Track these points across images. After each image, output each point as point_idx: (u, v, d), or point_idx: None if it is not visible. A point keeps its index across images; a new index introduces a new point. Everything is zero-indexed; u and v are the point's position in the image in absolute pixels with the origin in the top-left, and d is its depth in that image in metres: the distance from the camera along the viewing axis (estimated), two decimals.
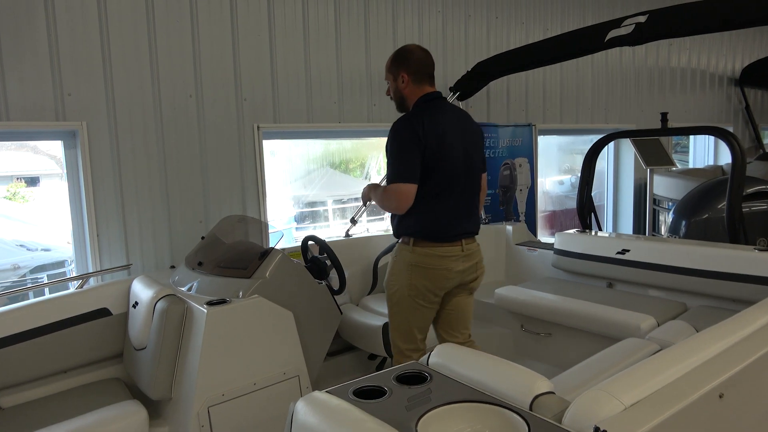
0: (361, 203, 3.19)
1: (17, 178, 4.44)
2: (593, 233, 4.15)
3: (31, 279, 4.38)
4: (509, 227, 4.65)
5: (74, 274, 3.34)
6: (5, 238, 6.30)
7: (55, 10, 3.10)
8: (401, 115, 2.60)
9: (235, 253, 2.90)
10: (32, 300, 2.82)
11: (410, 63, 2.56)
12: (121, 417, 2.38)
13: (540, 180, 5.88)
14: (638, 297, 3.54)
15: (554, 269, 4.18)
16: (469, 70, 4.55)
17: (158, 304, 2.57)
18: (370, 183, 2.80)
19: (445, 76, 4.79)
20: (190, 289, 2.76)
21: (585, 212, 4.39)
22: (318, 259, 3.20)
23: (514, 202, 5.42)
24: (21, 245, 4.83)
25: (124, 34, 3.32)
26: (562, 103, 5.85)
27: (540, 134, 5.65)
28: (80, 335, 2.85)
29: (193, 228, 3.60)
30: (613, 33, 3.65)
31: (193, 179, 3.63)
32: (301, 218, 9.40)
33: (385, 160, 2.56)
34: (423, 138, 2.43)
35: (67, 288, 3.05)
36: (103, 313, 2.92)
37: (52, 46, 3.11)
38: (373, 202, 2.74)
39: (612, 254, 3.79)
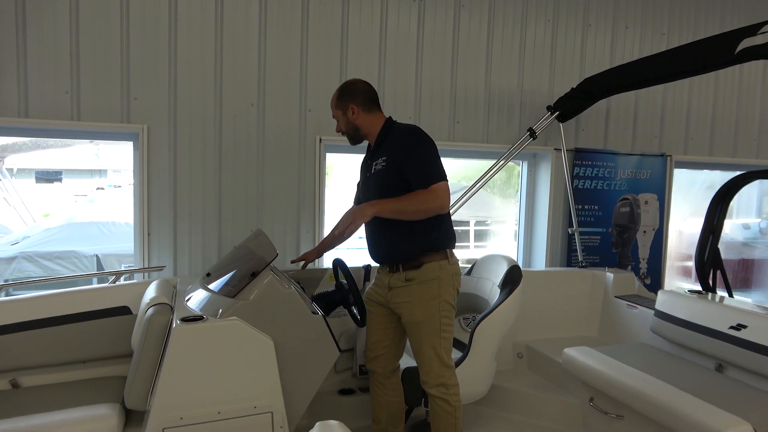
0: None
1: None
2: (710, 297, 3.25)
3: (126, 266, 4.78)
4: (610, 274, 3.89)
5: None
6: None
7: (129, 18, 3.29)
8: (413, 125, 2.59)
9: (239, 268, 2.75)
10: (65, 290, 2.98)
11: (358, 96, 2.60)
12: (91, 420, 2.35)
13: (674, 221, 4.87)
14: (751, 390, 2.66)
15: (654, 335, 3.37)
16: (575, 87, 3.90)
17: (148, 311, 2.53)
18: (366, 203, 2.43)
19: (551, 94, 4.18)
20: (188, 300, 2.68)
21: (706, 268, 3.47)
22: (342, 285, 2.92)
23: (633, 245, 4.54)
24: None
25: (191, 41, 3.40)
26: (714, 131, 4.78)
27: (677, 167, 4.68)
28: (100, 329, 2.94)
29: (244, 236, 3.56)
30: (747, 43, 2.84)
31: (249, 189, 3.59)
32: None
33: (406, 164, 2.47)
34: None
35: (106, 281, 3.19)
36: (124, 311, 2.98)
37: (124, 53, 3.29)
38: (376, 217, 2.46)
39: (723, 328, 2.91)
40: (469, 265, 3.55)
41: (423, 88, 3.91)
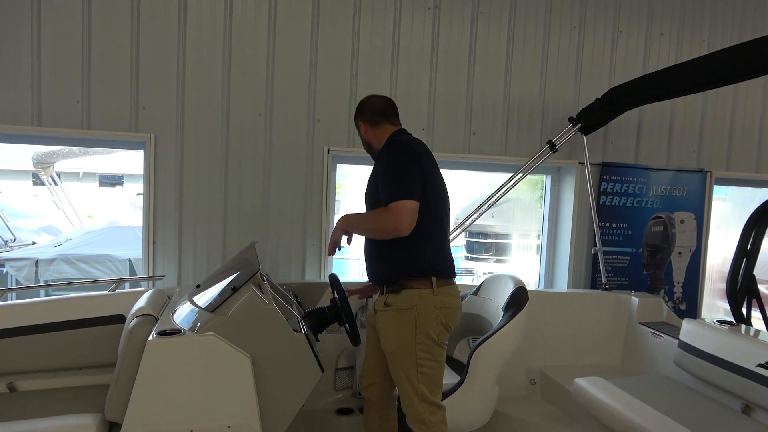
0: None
1: None
2: (743, 330, 2.95)
3: None
4: (635, 298, 3.63)
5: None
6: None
7: (139, 29, 3.32)
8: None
9: (223, 282, 2.70)
10: (64, 296, 3.02)
11: (364, 112, 2.60)
12: (70, 429, 2.34)
13: (718, 242, 4.50)
14: None
15: (678, 368, 3.09)
16: (599, 97, 3.67)
17: (131, 322, 2.50)
18: (344, 215, 2.49)
19: (576, 105, 3.95)
20: (173, 313, 2.64)
21: (738, 297, 3.17)
22: (336, 302, 2.82)
23: (667, 267, 4.22)
24: None
25: (200, 51, 3.41)
26: (762, 145, 4.40)
27: (717, 184, 4.33)
28: (95, 337, 2.95)
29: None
30: None
31: (255, 199, 3.55)
32: (472, 249, 8.93)
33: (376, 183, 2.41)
34: (420, 157, 2.37)
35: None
36: (119, 319, 2.99)
37: (133, 63, 3.33)
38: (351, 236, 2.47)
39: (751, 365, 2.63)
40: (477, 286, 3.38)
41: (437, 99, 3.77)
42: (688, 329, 3.02)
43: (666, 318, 3.61)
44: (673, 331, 3.34)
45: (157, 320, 2.53)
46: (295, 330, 2.48)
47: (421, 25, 3.71)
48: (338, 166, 3.84)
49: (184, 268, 3.49)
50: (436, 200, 2.43)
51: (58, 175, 8.66)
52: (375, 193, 2.41)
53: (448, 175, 3.99)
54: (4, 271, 6.48)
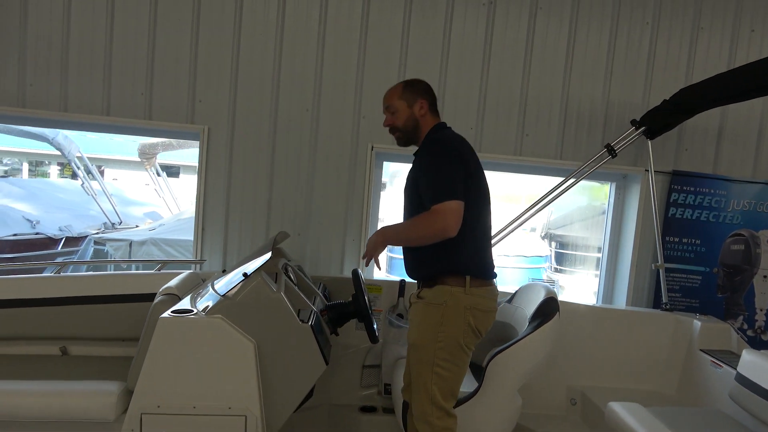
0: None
1: None
2: None
3: None
4: (698, 322, 3.27)
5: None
6: None
7: (199, 26, 3.52)
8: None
9: (242, 268, 2.77)
10: (116, 272, 3.28)
11: (428, 93, 2.49)
12: (94, 393, 2.52)
13: None
14: None
15: (733, 402, 2.74)
16: (667, 99, 3.34)
17: (156, 299, 2.66)
18: (379, 229, 2.41)
19: (645, 107, 3.62)
20: (196, 294, 2.76)
21: None
22: (358, 297, 2.81)
23: (748, 291, 3.75)
24: None
25: (253, 47, 3.54)
26: None
27: None
28: (138, 312, 3.16)
29: (290, 239, 3.61)
30: None
31: (298, 192, 3.63)
32: (561, 260, 8.54)
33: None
34: (462, 155, 2.30)
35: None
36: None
37: (192, 58, 3.53)
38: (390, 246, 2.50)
39: None
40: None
41: (488, 97, 3.64)
42: (747, 360, 2.67)
43: (735, 347, 3.21)
44: (736, 361, 2.96)
45: (180, 300, 2.66)
46: (303, 321, 2.50)
47: (474, 20, 3.60)
48: (384, 164, 3.83)
49: (229, 255, 3.64)
50: (477, 199, 2.34)
51: (162, 167, 9.44)
52: (415, 190, 2.35)
53: (497, 177, 3.84)
54: (105, 250, 7.16)
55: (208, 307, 2.44)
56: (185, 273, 3.09)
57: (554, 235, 8.64)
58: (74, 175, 8.49)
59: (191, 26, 3.52)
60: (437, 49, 3.61)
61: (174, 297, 2.67)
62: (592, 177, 3.88)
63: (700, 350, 3.18)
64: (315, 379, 2.52)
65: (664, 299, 3.53)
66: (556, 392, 3.34)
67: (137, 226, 8.73)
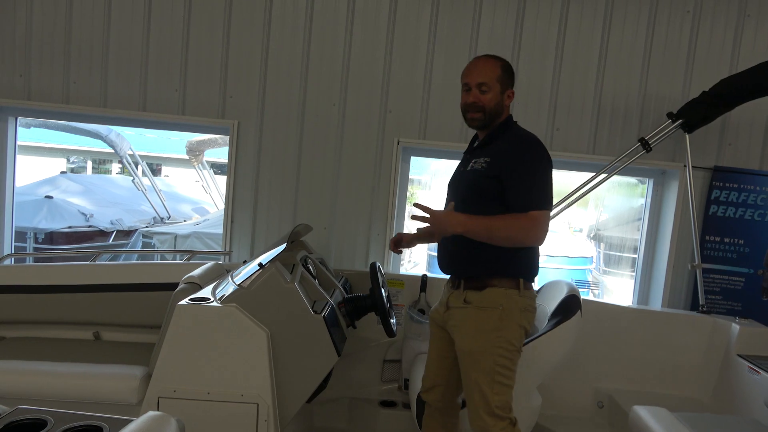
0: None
1: None
2: None
3: None
4: (736, 326, 3.10)
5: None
6: None
7: (231, 24, 3.60)
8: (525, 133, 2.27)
9: (260, 259, 2.81)
10: (145, 262, 3.39)
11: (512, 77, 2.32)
12: (117, 377, 2.63)
13: None
14: None
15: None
16: (707, 90, 3.17)
17: (180, 287, 2.74)
18: (454, 219, 2.12)
19: (686, 99, 3.44)
20: (217, 284, 2.83)
21: None
22: (375, 291, 2.80)
23: None
24: None
25: (283, 42, 3.59)
26: None
27: None
28: (164, 300, 3.27)
29: (316, 233, 3.64)
30: None
31: (325, 187, 3.66)
32: (609, 261, 8.29)
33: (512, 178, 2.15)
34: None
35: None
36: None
37: (223, 55, 3.62)
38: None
39: None
40: None
41: (517, 91, 3.55)
42: None
43: None
44: None
45: (201, 288, 2.73)
46: (316, 312, 2.52)
47: (504, 13, 3.53)
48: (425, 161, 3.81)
49: (256, 247, 3.71)
50: None
51: (210, 165, 9.72)
52: (488, 183, 2.17)
53: None
54: (152, 243, 7.45)
55: (224, 296, 2.49)
56: (210, 263, 3.17)
57: (603, 236, 8.38)
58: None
59: (223, 24, 3.60)
60: (465, 43, 3.56)
61: (195, 286, 2.74)
62: (629, 173, 3.75)
63: (738, 355, 3.00)
64: (327, 370, 2.53)
65: (701, 301, 3.36)
66: (583, 394, 3.23)
67: (185, 221, 9.03)
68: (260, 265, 2.54)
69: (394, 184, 3.62)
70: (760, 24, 3.47)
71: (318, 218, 3.68)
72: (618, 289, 7.38)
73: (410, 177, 3.86)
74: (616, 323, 3.29)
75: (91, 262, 3.37)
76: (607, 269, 8.13)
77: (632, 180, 4.64)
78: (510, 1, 3.51)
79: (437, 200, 3.75)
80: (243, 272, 2.73)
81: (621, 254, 7.41)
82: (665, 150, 3.51)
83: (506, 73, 2.27)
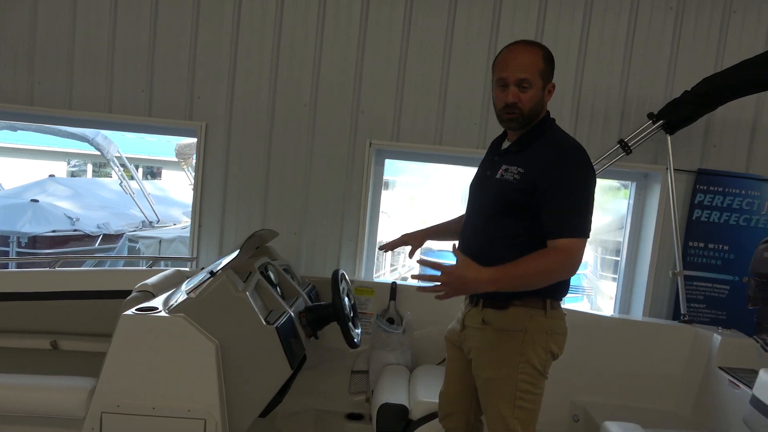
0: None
1: None
2: None
3: None
4: (718, 336, 2.96)
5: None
6: None
7: (198, 22, 3.49)
8: (570, 143, 1.95)
9: (212, 266, 2.69)
10: (105, 268, 3.28)
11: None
12: (65, 389, 2.50)
13: None
14: None
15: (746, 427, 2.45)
16: (688, 89, 3.05)
17: (131, 295, 2.63)
18: (483, 275, 1.74)
19: (668, 97, 3.31)
20: (171, 292, 2.71)
21: None
22: (337, 300, 2.68)
23: None
24: None
25: (252, 42, 3.48)
26: None
27: None
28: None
29: (286, 238, 3.52)
30: None
31: (295, 190, 3.54)
32: (608, 266, 8.15)
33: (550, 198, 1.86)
34: None
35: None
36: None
37: (192, 55, 3.51)
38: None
39: None
40: None
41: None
42: (765, 382, 2.36)
43: (761, 365, 2.87)
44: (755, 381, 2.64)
45: (154, 297, 2.61)
46: (269, 322, 2.40)
47: (479, 12, 3.41)
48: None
49: (224, 253, 3.58)
50: None
51: None
52: (520, 196, 1.90)
53: None
54: (137, 247, 7.35)
55: (172, 305, 2.38)
56: (171, 270, 3.06)
57: (600, 240, 8.25)
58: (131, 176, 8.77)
59: (191, 23, 3.50)
60: (439, 42, 3.44)
61: (148, 294, 2.63)
62: (610, 176, 3.63)
63: (719, 368, 2.86)
64: (280, 383, 2.41)
65: (683, 310, 3.22)
66: (558, 407, 3.10)
67: (174, 225, 8.93)
68: (211, 272, 2.43)
69: (367, 187, 3.50)
70: (747, 20, 3.34)
71: (288, 223, 3.56)
72: (614, 294, 7.23)
73: (385, 179, 3.75)
74: (594, 333, 3.16)
75: (50, 269, 3.27)
76: (604, 274, 7.98)
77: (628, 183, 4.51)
78: (485, 2, 3.39)
79: (411, 204, 3.59)
80: (193, 280, 2.61)
81: (617, 259, 7.26)
82: (647, 152, 3.38)
83: (549, 65, 1.94)
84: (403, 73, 3.45)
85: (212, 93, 3.53)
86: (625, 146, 3.16)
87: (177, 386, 2.27)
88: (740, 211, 3.35)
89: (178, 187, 13.42)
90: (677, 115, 3.05)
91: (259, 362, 2.36)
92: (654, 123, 3.12)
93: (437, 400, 2.32)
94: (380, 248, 2.65)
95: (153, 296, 2.62)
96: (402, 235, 2.46)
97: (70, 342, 3.17)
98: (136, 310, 2.34)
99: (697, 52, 3.36)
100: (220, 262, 2.61)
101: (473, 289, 1.82)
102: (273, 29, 3.47)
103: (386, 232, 4.18)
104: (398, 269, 7.93)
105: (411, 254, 2.43)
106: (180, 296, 2.49)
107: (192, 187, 9.52)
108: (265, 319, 2.39)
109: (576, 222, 1.82)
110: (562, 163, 1.86)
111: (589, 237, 1.84)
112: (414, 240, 2.42)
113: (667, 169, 3.28)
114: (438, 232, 2.44)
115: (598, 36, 3.38)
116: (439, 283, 1.74)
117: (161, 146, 15.54)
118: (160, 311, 2.34)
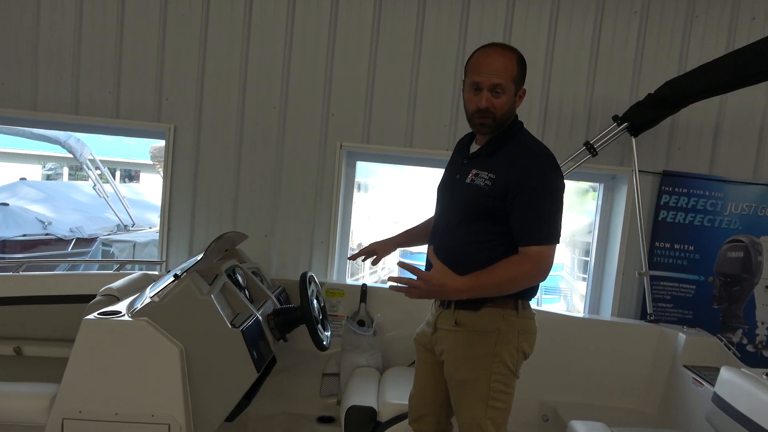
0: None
1: None
2: None
3: None
4: (683, 335, 3.01)
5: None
6: None
7: (166, 24, 3.46)
8: (542, 151, 1.96)
9: (177, 269, 2.67)
10: (71, 272, 3.23)
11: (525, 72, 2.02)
12: (26, 396, 2.46)
13: None
14: None
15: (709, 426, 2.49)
16: (652, 92, 3.10)
17: (95, 299, 2.59)
18: (455, 282, 1.79)
19: (633, 100, 3.36)
20: (137, 296, 2.68)
21: None
22: (305, 302, 2.67)
23: (747, 304, 3.45)
24: None
25: (221, 42, 3.46)
26: None
27: None
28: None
29: (257, 241, 3.50)
30: None
31: (265, 192, 3.53)
32: (586, 267, 8.22)
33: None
34: None
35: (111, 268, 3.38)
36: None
37: (159, 56, 3.47)
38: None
39: None
40: None
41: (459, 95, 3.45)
42: (725, 379, 2.41)
43: (720, 362, 2.93)
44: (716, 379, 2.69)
45: (119, 301, 2.58)
46: (235, 326, 2.38)
47: (448, 13, 3.43)
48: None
49: (194, 255, 3.55)
50: None
51: None
52: (491, 202, 1.91)
53: None
54: (111, 251, 7.24)
55: (135, 309, 2.35)
56: (138, 274, 3.02)
57: (577, 241, 8.35)
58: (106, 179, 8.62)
59: (158, 24, 3.46)
60: (409, 43, 3.46)
61: (112, 298, 2.59)
62: (579, 177, 3.68)
63: (684, 366, 2.91)
64: (246, 387, 2.39)
65: (649, 310, 3.27)
66: (527, 407, 3.12)
67: (150, 228, 8.81)
68: (175, 275, 2.40)
69: (338, 189, 3.50)
70: (708, 25, 3.41)
71: (259, 225, 3.54)
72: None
73: (357, 180, 3.75)
74: (563, 333, 3.19)
75: (14, 273, 3.20)
76: (580, 275, 8.07)
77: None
78: (454, 1, 3.42)
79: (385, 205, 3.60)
80: (158, 283, 2.58)
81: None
82: (614, 154, 3.43)
83: (522, 71, 1.97)
84: (372, 75, 3.46)
85: (181, 95, 3.50)
86: (591, 148, 3.21)
87: (140, 391, 2.23)
88: (704, 211, 3.41)
89: (155, 191, 13.25)
90: (641, 117, 3.10)
91: (224, 366, 2.34)
92: (619, 125, 3.17)
93: (406, 402, 2.32)
94: (349, 258, 2.67)
95: (118, 300, 2.58)
96: (370, 244, 2.46)
97: (34, 348, 3.11)
98: (98, 314, 2.31)
99: (661, 55, 3.43)
100: (186, 265, 2.59)
101: (447, 297, 1.88)
102: (242, 31, 3.46)
103: (368, 236, 4.19)
104: (377, 272, 7.93)
105: (375, 263, 2.44)
106: (144, 300, 2.46)
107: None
108: (230, 323, 2.38)
109: (546, 229, 1.86)
110: (532, 170, 1.88)
111: (559, 242, 1.88)
112: (382, 248, 2.42)
113: (632, 170, 3.34)
114: (408, 238, 2.45)
115: (565, 39, 3.43)
116: (415, 283, 1.77)
117: (140, 149, 15.36)
118: (124, 315, 2.30)
